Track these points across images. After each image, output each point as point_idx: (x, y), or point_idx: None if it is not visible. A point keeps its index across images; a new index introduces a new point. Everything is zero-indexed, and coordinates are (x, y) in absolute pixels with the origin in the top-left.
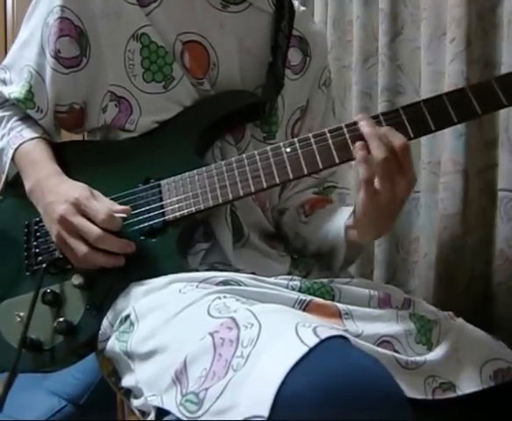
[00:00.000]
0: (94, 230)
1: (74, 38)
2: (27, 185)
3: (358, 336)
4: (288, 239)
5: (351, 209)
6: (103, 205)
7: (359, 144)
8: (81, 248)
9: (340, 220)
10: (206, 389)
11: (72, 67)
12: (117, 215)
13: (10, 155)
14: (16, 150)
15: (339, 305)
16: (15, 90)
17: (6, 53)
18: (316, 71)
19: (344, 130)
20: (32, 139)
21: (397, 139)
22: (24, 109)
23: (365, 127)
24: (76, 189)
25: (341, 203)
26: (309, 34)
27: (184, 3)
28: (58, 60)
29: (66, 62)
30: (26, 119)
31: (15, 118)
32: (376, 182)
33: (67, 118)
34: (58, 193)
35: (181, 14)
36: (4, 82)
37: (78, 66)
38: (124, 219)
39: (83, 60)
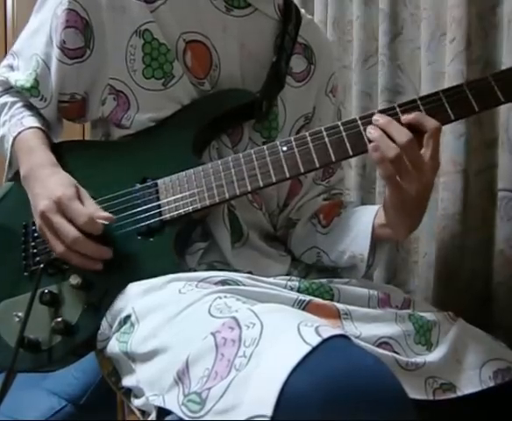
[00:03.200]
0: (70, 232)
1: (80, 29)
2: (21, 171)
3: (356, 338)
4: (289, 246)
5: (374, 208)
6: (85, 208)
7: (371, 146)
8: (58, 247)
9: (365, 225)
10: (208, 389)
11: (76, 58)
12: (99, 221)
13: (10, 142)
14: (15, 138)
15: (338, 305)
16: (21, 78)
17: (6, 53)
18: (322, 79)
19: (341, 128)
20: (31, 128)
21: (404, 133)
22: (28, 97)
23: (372, 133)
24: (61, 187)
25: None
26: (314, 42)
27: (189, 3)
28: (63, 51)
29: (70, 53)
30: (29, 107)
31: (17, 105)
32: (398, 178)
33: (69, 108)
34: (45, 186)
35: (186, 13)
36: (12, 68)
37: (82, 57)
38: (119, 219)
39: (87, 52)
